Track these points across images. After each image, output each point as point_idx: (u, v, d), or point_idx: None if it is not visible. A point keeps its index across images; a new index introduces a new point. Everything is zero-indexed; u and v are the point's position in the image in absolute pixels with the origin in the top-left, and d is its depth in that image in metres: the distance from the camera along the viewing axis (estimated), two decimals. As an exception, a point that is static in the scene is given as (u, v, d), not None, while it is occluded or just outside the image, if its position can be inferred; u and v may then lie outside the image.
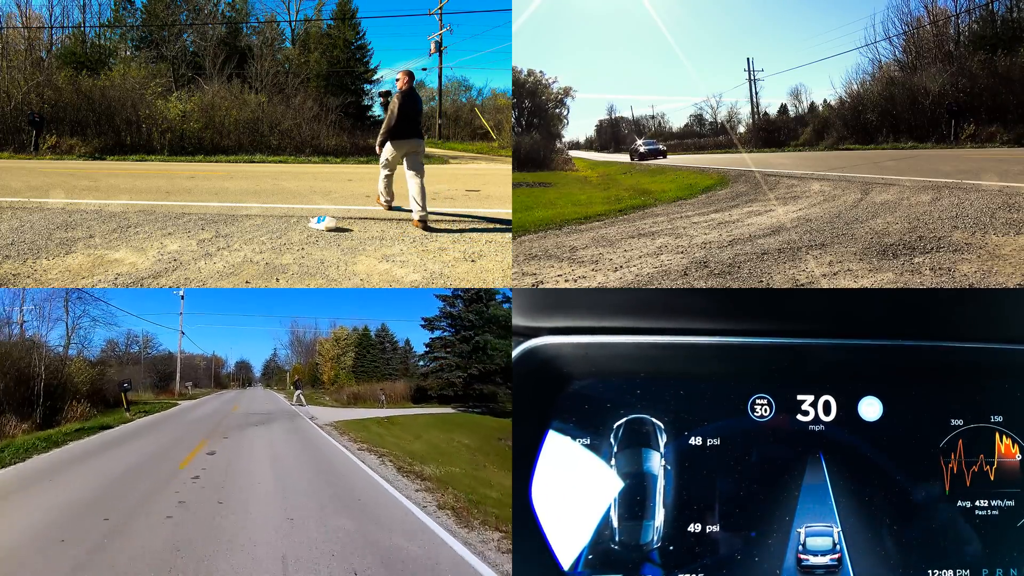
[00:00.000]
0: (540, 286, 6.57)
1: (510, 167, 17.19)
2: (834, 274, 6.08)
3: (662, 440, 2.20)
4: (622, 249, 7.96)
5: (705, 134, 40.69)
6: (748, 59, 36.65)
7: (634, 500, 2.14)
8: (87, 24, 23.09)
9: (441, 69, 24.28)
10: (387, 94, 8.83)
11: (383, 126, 8.18)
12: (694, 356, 2.25)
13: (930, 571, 2.09)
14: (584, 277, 6.71)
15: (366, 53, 25.73)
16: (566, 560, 2.12)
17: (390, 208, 8.87)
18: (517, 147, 24.33)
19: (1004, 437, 2.26)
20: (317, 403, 24.24)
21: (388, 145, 8.13)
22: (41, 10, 23.06)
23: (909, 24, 26.91)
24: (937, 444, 2.22)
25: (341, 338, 40.04)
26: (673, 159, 30.97)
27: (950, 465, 2.20)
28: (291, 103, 20.33)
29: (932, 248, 6.68)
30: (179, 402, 24.87)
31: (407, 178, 8.04)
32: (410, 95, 8.16)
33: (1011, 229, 7.20)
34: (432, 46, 23.80)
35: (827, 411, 2.23)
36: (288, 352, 63.28)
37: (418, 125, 8.23)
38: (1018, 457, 2.24)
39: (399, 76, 8.33)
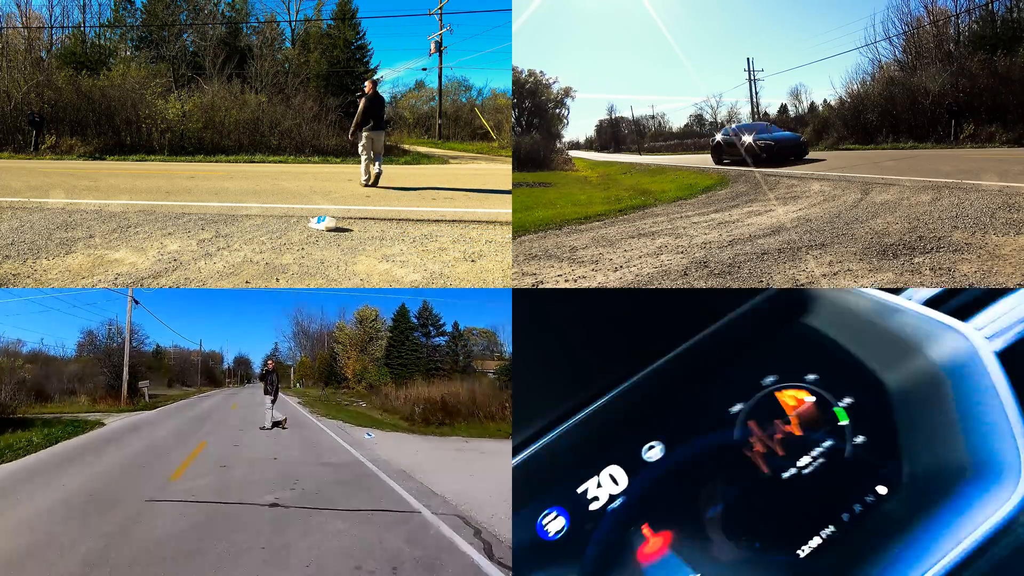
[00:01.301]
0: (540, 286, 6.57)
1: (510, 167, 17.19)
2: (834, 274, 6.08)
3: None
4: (622, 249, 7.96)
5: (705, 134, 40.70)
6: (748, 59, 36.68)
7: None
8: (87, 24, 23.11)
9: (441, 69, 24.31)
10: (361, 95, 11.26)
11: (354, 120, 10.99)
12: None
13: (798, 551, 2.05)
14: (584, 277, 6.71)
15: (366, 53, 25.75)
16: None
17: (368, 185, 11.21)
18: (517, 147, 24.34)
19: (785, 391, 2.24)
20: (351, 420, 16.40)
21: (363, 134, 10.95)
22: (41, 10, 23.12)
23: (909, 24, 26.94)
24: (732, 437, 2.18)
25: (368, 319, 31.60)
26: (673, 159, 30.98)
27: (755, 448, 2.16)
28: (291, 103, 20.34)
29: (932, 248, 6.68)
30: (105, 420, 14.88)
31: (371, 155, 11.08)
32: (374, 98, 11.00)
33: (1011, 229, 7.20)
34: (432, 46, 23.82)
35: (619, 480, 2.16)
36: (291, 345, 58.98)
37: (381, 119, 11.13)
38: (808, 400, 2.22)
39: (367, 84, 11.17)
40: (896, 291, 2.38)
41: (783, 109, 35.53)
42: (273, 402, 13.89)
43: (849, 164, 17.79)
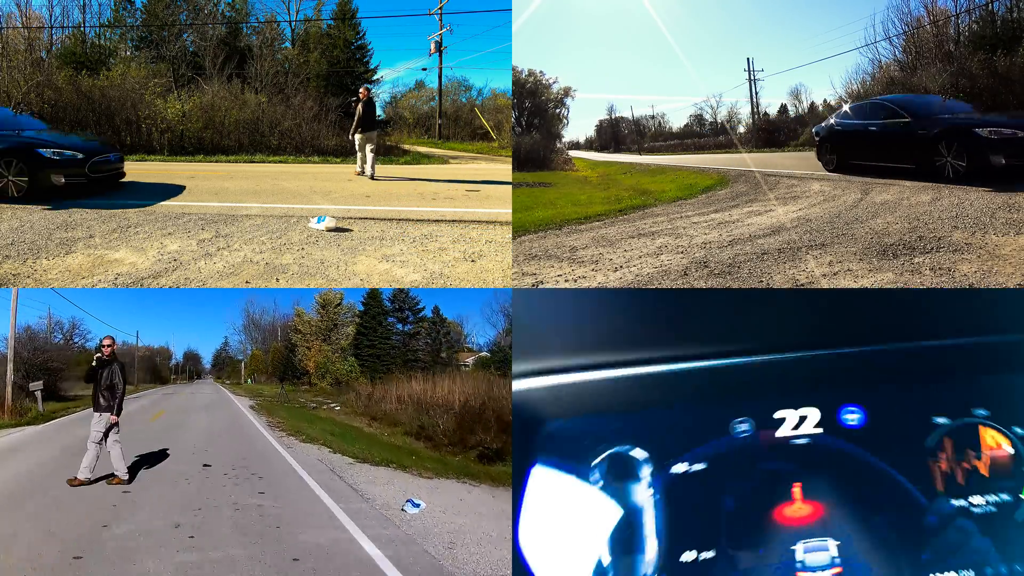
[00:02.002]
0: (540, 286, 6.57)
1: (510, 167, 17.19)
2: (834, 274, 6.08)
3: (646, 471, 2.17)
4: (622, 249, 7.95)
5: (705, 134, 40.72)
6: (748, 59, 36.67)
7: (623, 535, 2.11)
8: (87, 24, 23.11)
9: (441, 69, 24.32)
10: (357, 100, 13.08)
11: (354, 123, 12.85)
12: (668, 383, 2.22)
13: (932, 574, 2.06)
14: (584, 277, 6.70)
15: (366, 53, 25.76)
16: None
17: (361, 175, 12.93)
18: (517, 147, 24.36)
19: (990, 431, 2.23)
20: (336, 441, 10.72)
21: (358, 135, 12.81)
22: (41, 10, 23.12)
23: (909, 24, 26.93)
24: (923, 444, 2.19)
25: (331, 304, 27.36)
26: (673, 159, 31.00)
27: (940, 464, 2.17)
28: (291, 103, 20.34)
29: (932, 248, 6.68)
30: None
31: (365, 151, 12.90)
32: (368, 103, 12.90)
33: (1011, 229, 7.19)
34: (432, 46, 23.83)
35: (809, 424, 2.20)
36: (242, 338, 56.80)
37: (373, 121, 13.06)
38: (1008, 451, 2.21)
39: (361, 91, 13.20)
40: None
41: (783, 109, 35.55)
42: (104, 436, 6.75)
43: (849, 164, 17.77)
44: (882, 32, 28.73)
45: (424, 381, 16.34)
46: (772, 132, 34.84)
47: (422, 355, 26.06)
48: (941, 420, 2.21)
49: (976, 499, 2.14)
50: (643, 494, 2.13)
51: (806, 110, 33.88)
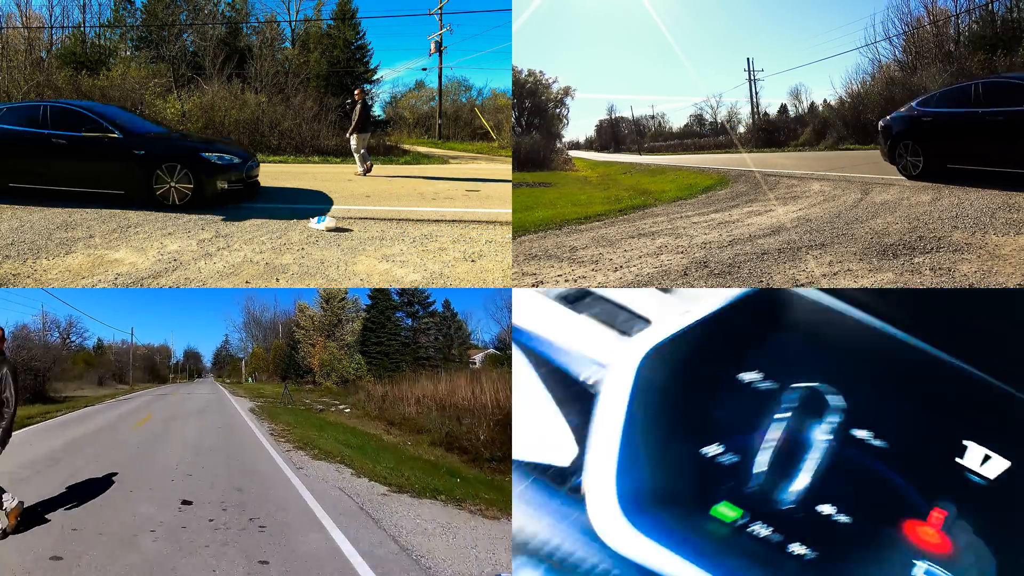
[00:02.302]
0: (540, 286, 6.57)
1: (510, 167, 17.19)
2: (834, 274, 6.08)
3: (834, 419, 2.18)
4: (622, 249, 7.95)
5: (705, 134, 40.71)
6: (748, 59, 36.65)
7: (784, 458, 2.14)
8: (87, 24, 23.11)
9: (441, 69, 24.30)
10: (352, 102, 13.16)
11: (357, 124, 12.89)
12: (911, 362, 2.22)
13: None
14: (584, 277, 6.70)
15: (366, 53, 25.75)
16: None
17: (366, 173, 13.21)
18: (517, 147, 24.36)
19: None
20: (356, 457, 8.87)
21: (356, 135, 12.96)
22: (41, 10, 23.08)
23: (909, 24, 26.92)
24: None
25: (336, 298, 25.79)
26: (673, 159, 31.00)
27: None
28: (291, 103, 20.35)
29: (932, 248, 6.68)
30: None
31: (362, 152, 13.13)
32: (364, 104, 13.13)
33: (1011, 229, 7.19)
34: (432, 46, 23.81)
35: (994, 468, 2.14)
36: (242, 336, 56.25)
37: (368, 121, 13.39)
38: None
39: (357, 91, 13.32)
40: None
41: (783, 109, 35.52)
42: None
43: (849, 164, 17.80)
44: (882, 32, 28.70)
45: (441, 380, 14.98)
46: (772, 132, 34.84)
47: (432, 352, 24.56)
48: None
49: None
50: (819, 436, 2.15)
51: (806, 110, 33.88)
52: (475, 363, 23.64)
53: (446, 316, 25.98)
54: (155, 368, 53.23)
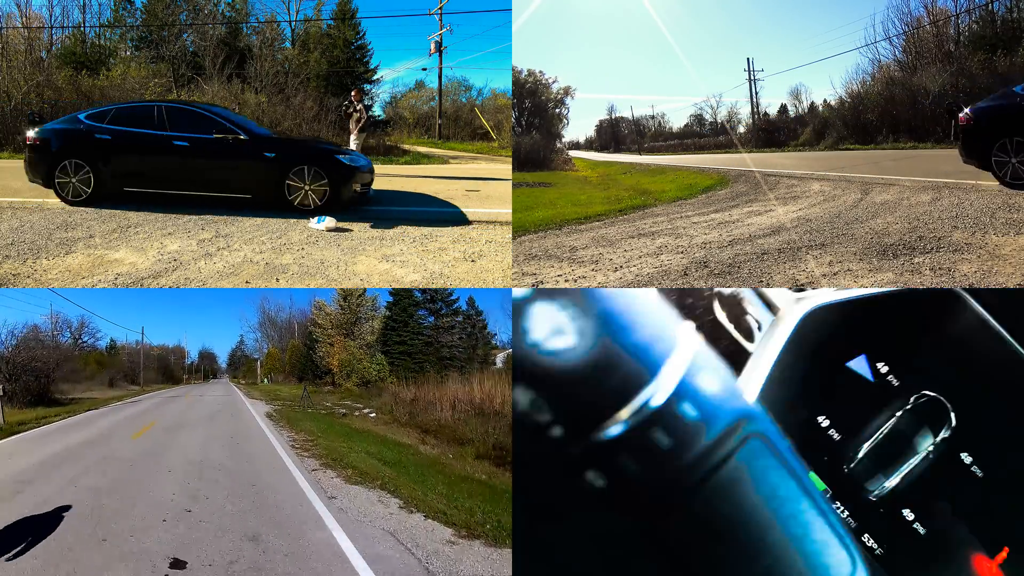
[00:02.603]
0: (540, 286, 6.58)
1: (510, 167, 17.20)
2: (834, 274, 6.08)
3: (943, 433, 2.20)
4: (622, 249, 7.96)
5: (705, 134, 40.75)
6: (748, 59, 36.69)
7: (886, 451, 2.16)
8: (87, 24, 23.12)
9: (441, 69, 24.31)
10: (349, 103, 12.57)
11: (360, 124, 12.29)
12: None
13: None
14: (584, 277, 6.71)
15: (366, 53, 25.76)
16: None
17: None
18: (517, 147, 24.36)
19: None
20: (401, 482, 7.01)
21: (356, 135, 12.21)
22: (41, 10, 23.09)
23: (909, 24, 26.95)
24: None
25: (354, 295, 24.70)
26: (673, 159, 31.00)
27: None
28: (291, 103, 20.36)
29: (932, 248, 6.68)
30: None
31: (355, 144, 12.14)
32: (365, 105, 12.84)
33: (1011, 229, 7.19)
34: (432, 46, 23.81)
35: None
36: (258, 336, 55.68)
37: (367, 122, 12.89)
38: None
39: (354, 93, 12.82)
40: None
41: (783, 109, 35.55)
42: None
43: (849, 164, 17.80)
44: (882, 32, 28.76)
45: (474, 382, 13.98)
46: (772, 132, 34.86)
47: (457, 352, 23.30)
48: None
49: None
50: (924, 443, 2.18)
51: (806, 110, 33.91)
52: (497, 364, 23.02)
53: (470, 314, 25.07)
54: (169, 369, 52.87)
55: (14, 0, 21.90)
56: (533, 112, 31.47)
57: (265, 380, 43.71)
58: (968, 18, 25.35)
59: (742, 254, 7.13)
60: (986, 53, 23.42)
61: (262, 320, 49.79)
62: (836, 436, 2.21)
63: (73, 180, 8.91)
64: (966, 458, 2.18)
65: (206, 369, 69.65)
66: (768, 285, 6.01)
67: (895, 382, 2.23)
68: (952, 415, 2.17)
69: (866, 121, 27.33)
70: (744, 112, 37.85)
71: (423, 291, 24.02)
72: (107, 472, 7.34)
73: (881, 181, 12.62)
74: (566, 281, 6.63)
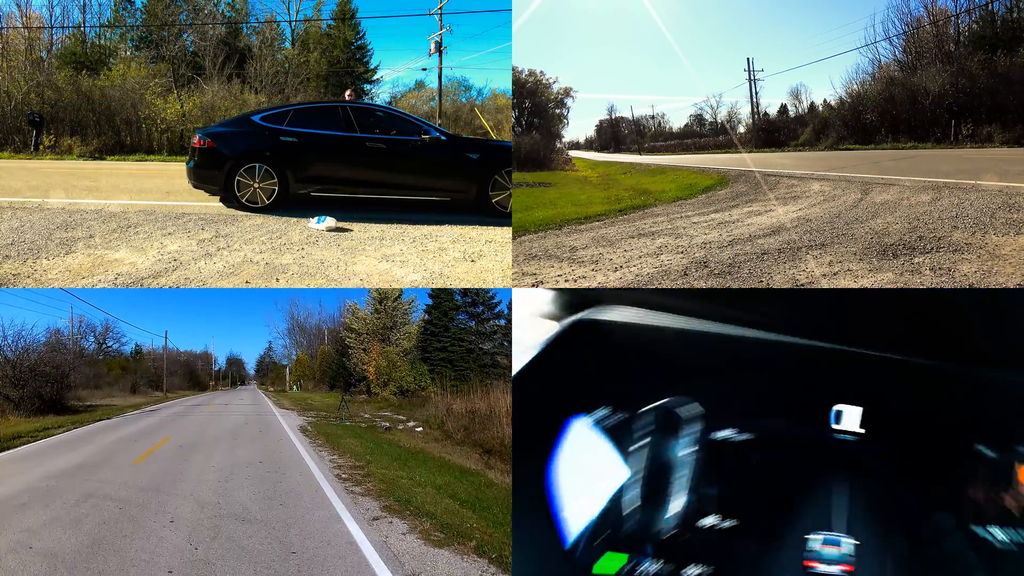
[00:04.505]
0: (540, 286, 6.57)
1: (510, 167, 17.17)
2: (834, 274, 6.08)
3: (693, 428, 2.18)
4: (622, 249, 7.96)
5: (705, 134, 40.77)
6: (748, 59, 36.70)
7: (654, 486, 2.13)
8: (87, 24, 23.12)
9: (441, 69, 24.30)
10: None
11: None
12: (736, 348, 2.23)
13: None
14: (584, 277, 6.70)
15: (366, 53, 25.77)
16: (569, 538, 2.09)
17: None
18: (517, 147, 24.35)
19: None
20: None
21: None
22: (41, 10, 23.13)
23: (909, 24, 26.96)
24: (959, 470, 2.17)
25: (390, 298, 23.55)
26: (673, 159, 30.99)
27: (972, 493, 2.15)
28: (291, 103, 20.36)
29: (932, 248, 6.68)
30: None
31: None
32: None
33: (1011, 229, 7.20)
34: (432, 46, 23.81)
35: (858, 424, 2.20)
36: (286, 342, 54.61)
37: None
38: None
39: (348, 92, 13.07)
40: None
41: (783, 109, 35.56)
42: None
43: (849, 164, 17.80)
44: (882, 32, 28.79)
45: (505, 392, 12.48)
46: (772, 132, 34.87)
47: (501, 359, 21.43)
48: (982, 449, 2.19)
49: (1000, 535, 2.12)
50: (683, 450, 2.14)
51: (806, 110, 33.91)
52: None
53: (511, 318, 24.87)
54: (195, 375, 52.08)
55: (14, 0, 21.90)
56: (533, 112, 31.48)
57: (294, 387, 43.13)
58: (968, 18, 25.36)
59: (742, 254, 7.13)
60: (986, 53, 23.41)
61: (291, 326, 49.41)
62: (601, 510, 2.17)
63: (257, 185, 8.49)
64: (725, 433, 2.16)
65: (233, 375, 69.58)
66: (768, 285, 6.01)
67: (617, 420, 2.19)
68: (685, 408, 2.15)
69: (866, 121, 27.33)
70: (744, 112, 37.86)
71: (464, 293, 23.20)
72: (82, 524, 5.13)
73: (881, 181, 12.61)
74: (566, 281, 6.63)
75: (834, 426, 2.19)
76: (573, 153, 36.02)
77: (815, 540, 2.06)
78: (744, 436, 2.16)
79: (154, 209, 9.20)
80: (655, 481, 2.11)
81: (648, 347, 2.26)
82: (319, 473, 7.91)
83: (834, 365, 2.25)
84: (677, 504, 2.08)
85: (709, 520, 2.08)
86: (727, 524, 2.07)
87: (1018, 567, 2.10)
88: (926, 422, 2.21)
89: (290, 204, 8.62)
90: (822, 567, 2.04)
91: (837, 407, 2.21)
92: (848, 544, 2.06)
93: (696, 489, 2.11)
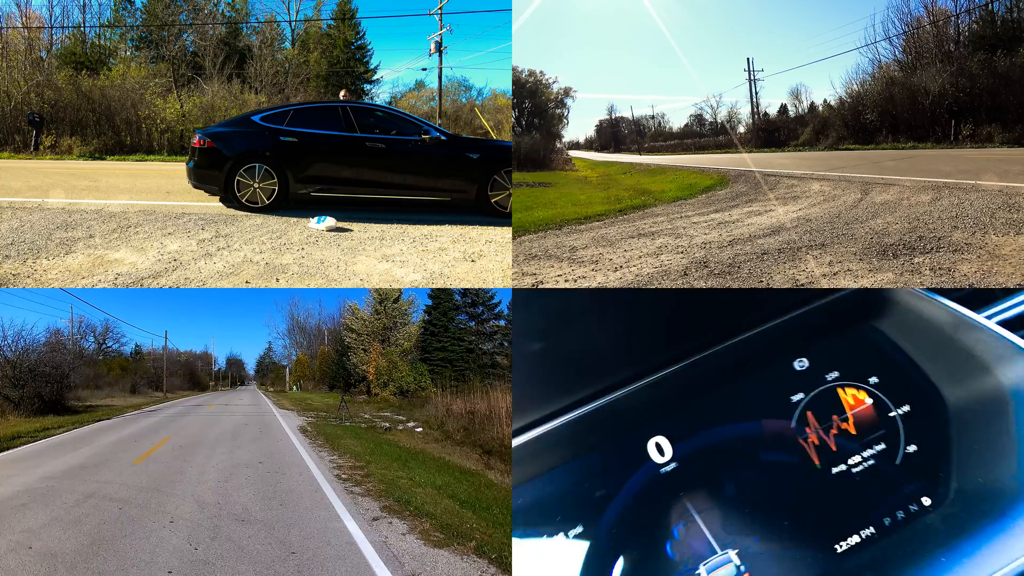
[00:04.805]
0: (540, 287, 6.57)
1: (510, 167, 17.19)
2: (834, 274, 6.08)
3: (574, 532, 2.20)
4: (622, 249, 7.96)
5: (705, 134, 40.78)
6: (748, 59, 36.73)
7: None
8: (87, 24, 23.12)
9: (441, 69, 24.30)
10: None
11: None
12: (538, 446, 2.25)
13: (836, 546, 2.08)
14: (584, 277, 6.71)
15: (366, 53, 25.77)
16: None
17: None
18: (517, 147, 24.35)
19: (847, 389, 2.29)
20: None
21: None
22: (41, 10, 23.15)
23: (909, 24, 26.97)
24: (789, 425, 2.22)
25: (390, 299, 23.58)
26: (673, 159, 30.99)
27: (810, 439, 2.20)
28: (291, 103, 20.37)
29: (932, 248, 6.68)
30: None
31: None
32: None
33: (1011, 229, 7.20)
34: (432, 46, 23.81)
35: (667, 450, 2.21)
36: (286, 342, 54.19)
37: None
38: (867, 401, 2.27)
39: (343, 93, 13.41)
40: (974, 302, 2.40)
41: (783, 109, 35.58)
42: None
43: (849, 164, 17.80)
44: (882, 32, 28.81)
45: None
46: (772, 132, 34.89)
47: (501, 359, 21.66)
48: (797, 397, 2.26)
49: (853, 460, 2.18)
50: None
51: (806, 110, 33.92)
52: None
53: (510, 318, 23.66)
54: (195, 375, 52.01)
55: (14, 0, 21.91)
56: (533, 112, 31.49)
57: (294, 388, 43.20)
58: (968, 18, 25.36)
59: (742, 254, 7.13)
60: (986, 53, 23.42)
61: (291, 326, 49.57)
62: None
63: (257, 185, 8.50)
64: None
65: (233, 376, 69.64)
66: (768, 285, 6.01)
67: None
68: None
69: (866, 121, 27.34)
70: (744, 112, 37.89)
71: (463, 293, 23.33)
72: (83, 523, 5.18)
73: (881, 181, 12.61)
74: (566, 281, 6.63)
75: (659, 460, 2.19)
76: (573, 153, 36.04)
77: (703, 573, 2.05)
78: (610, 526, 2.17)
79: (154, 209, 9.20)
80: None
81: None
82: (319, 473, 7.93)
83: (627, 410, 2.27)
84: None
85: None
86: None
87: (881, 479, 2.15)
88: (732, 402, 2.27)
89: (290, 204, 8.63)
90: None
91: (652, 441, 2.21)
92: (731, 556, 2.06)
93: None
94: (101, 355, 36.28)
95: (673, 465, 2.18)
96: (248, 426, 14.82)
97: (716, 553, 2.05)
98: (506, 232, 8.19)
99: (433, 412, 14.98)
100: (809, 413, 2.23)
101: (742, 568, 2.04)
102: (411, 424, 14.55)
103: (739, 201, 11.89)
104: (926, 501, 2.13)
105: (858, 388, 2.28)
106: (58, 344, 22.03)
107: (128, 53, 22.82)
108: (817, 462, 2.16)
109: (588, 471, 2.20)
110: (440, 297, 23.36)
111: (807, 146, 30.50)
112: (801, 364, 2.32)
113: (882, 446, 2.20)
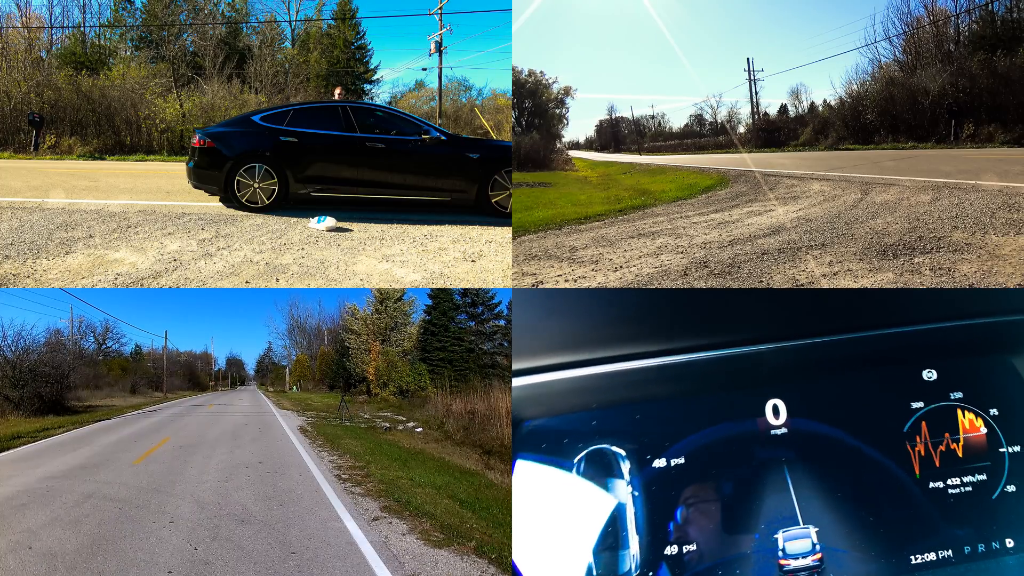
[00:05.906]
0: (540, 286, 6.57)
1: (510, 167, 17.18)
2: (834, 274, 6.08)
3: (626, 467, 2.18)
4: (622, 249, 7.96)
5: (705, 134, 40.78)
6: (748, 59, 36.71)
7: (607, 532, 2.14)
8: (87, 24, 23.12)
9: (441, 69, 24.30)
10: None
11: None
12: (645, 379, 2.24)
13: (911, 556, 2.11)
14: (584, 277, 6.70)
15: (366, 53, 25.77)
16: None
17: None
18: (517, 147, 24.35)
19: (966, 413, 2.30)
20: None
21: None
22: (41, 10, 23.15)
23: (909, 24, 26.97)
24: (901, 429, 2.25)
25: (391, 299, 23.52)
26: (673, 159, 30.99)
27: (917, 448, 2.23)
28: (291, 103, 20.37)
29: (932, 248, 6.68)
30: None
31: None
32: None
33: (1011, 229, 7.19)
34: (432, 46, 23.81)
35: (782, 414, 2.24)
36: (286, 342, 53.72)
37: None
38: (982, 430, 2.29)
39: (338, 92, 13.02)
40: None
41: (783, 109, 35.57)
42: None
43: (849, 164, 17.80)
44: (882, 32, 28.80)
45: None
46: (772, 132, 34.88)
47: (500, 359, 21.72)
48: (917, 404, 2.29)
49: (953, 481, 2.21)
50: (623, 491, 2.15)
51: (806, 110, 33.92)
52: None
53: (511, 318, 25.00)
54: (195, 375, 51.89)
55: (14, 0, 21.91)
56: (533, 112, 31.49)
57: (294, 388, 43.19)
58: (968, 18, 25.36)
59: (742, 254, 7.13)
60: (986, 53, 23.42)
61: (291, 326, 49.52)
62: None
63: (257, 185, 8.46)
64: (661, 462, 2.19)
65: (233, 376, 69.62)
66: (768, 285, 6.01)
67: (553, 480, 2.21)
68: (618, 450, 2.17)
69: (866, 121, 27.34)
70: (744, 112, 37.89)
71: (463, 293, 23.27)
72: (82, 523, 5.14)
73: (881, 181, 12.61)
74: (566, 281, 6.63)
75: (771, 421, 2.23)
76: (573, 153, 36.04)
77: (780, 539, 2.11)
78: (677, 460, 2.17)
79: (154, 209, 9.20)
80: (607, 528, 2.12)
81: (555, 403, 2.26)
82: (319, 473, 7.89)
83: (754, 366, 2.29)
84: (635, 544, 2.09)
85: (671, 549, 2.10)
86: (690, 548, 2.09)
87: (973, 508, 2.18)
88: (860, 393, 2.28)
89: (290, 204, 8.62)
90: (795, 563, 2.09)
91: (771, 402, 2.25)
92: (812, 532, 2.11)
93: (649, 523, 2.11)
94: (101, 355, 36.28)
95: (783, 431, 2.21)
96: (248, 426, 14.77)
97: (798, 524, 2.10)
98: (506, 232, 8.18)
99: (433, 412, 15.08)
100: (924, 423, 2.26)
101: (817, 547, 2.08)
102: (411, 424, 14.49)
103: (739, 201, 11.89)
104: (1009, 543, 2.15)
105: (976, 415, 2.29)
106: (58, 344, 22.05)
107: (128, 53, 22.83)
108: (918, 472, 2.20)
109: (690, 410, 2.22)
110: (440, 297, 23.39)
111: (807, 146, 30.50)
112: (930, 375, 2.33)
113: (983, 477, 2.22)
